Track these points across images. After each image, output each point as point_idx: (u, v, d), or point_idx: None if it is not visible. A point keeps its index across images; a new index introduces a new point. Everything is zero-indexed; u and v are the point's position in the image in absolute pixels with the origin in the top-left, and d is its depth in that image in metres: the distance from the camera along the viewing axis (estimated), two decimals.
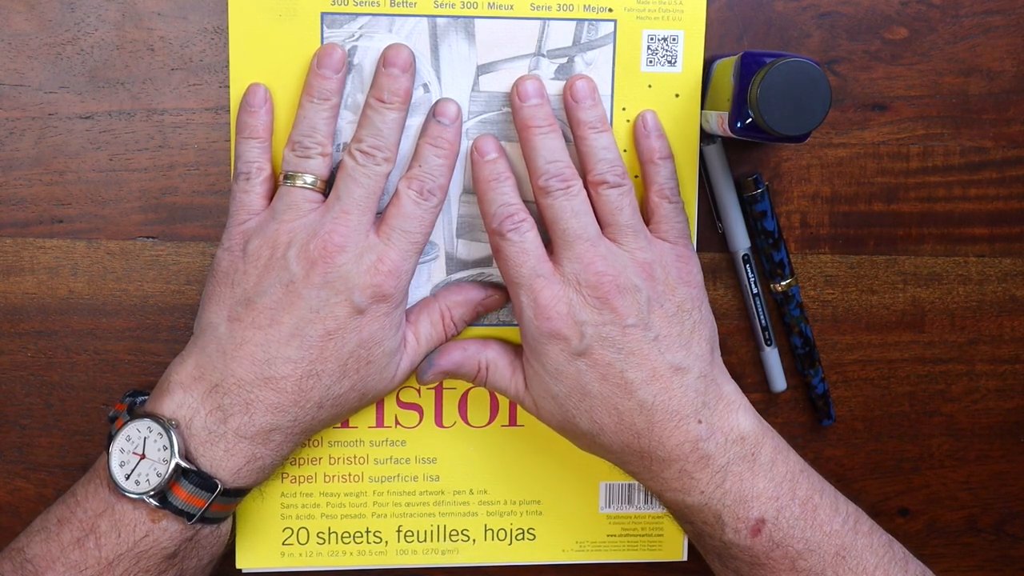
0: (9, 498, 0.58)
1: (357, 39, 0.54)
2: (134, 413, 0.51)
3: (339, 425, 0.58)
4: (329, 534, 0.59)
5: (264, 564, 0.58)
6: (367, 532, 0.59)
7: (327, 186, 0.53)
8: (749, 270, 0.58)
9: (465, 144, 0.55)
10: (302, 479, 0.58)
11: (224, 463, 0.50)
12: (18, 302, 0.56)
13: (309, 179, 0.52)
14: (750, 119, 0.50)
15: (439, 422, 0.58)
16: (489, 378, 0.56)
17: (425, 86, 0.55)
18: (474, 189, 0.54)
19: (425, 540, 0.59)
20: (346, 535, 0.59)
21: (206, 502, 0.49)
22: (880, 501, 0.62)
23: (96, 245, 0.56)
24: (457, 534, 0.59)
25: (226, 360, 0.50)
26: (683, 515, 0.53)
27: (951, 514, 0.63)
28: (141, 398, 0.54)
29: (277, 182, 0.53)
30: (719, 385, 0.53)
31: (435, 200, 0.53)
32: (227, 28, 0.54)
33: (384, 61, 0.53)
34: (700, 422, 0.51)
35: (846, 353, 0.61)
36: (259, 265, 0.51)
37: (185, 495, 0.49)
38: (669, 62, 0.56)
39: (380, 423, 0.58)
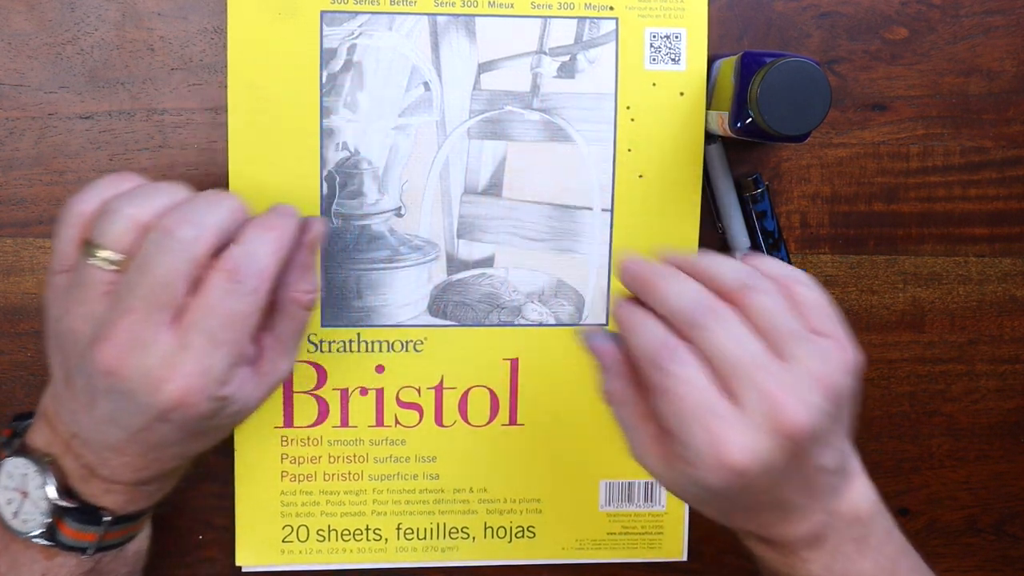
0: None
1: (357, 37, 0.54)
2: (13, 446, 0.47)
3: (339, 424, 0.58)
4: (329, 532, 0.59)
5: (264, 562, 0.58)
6: (367, 530, 0.59)
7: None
8: None
9: (466, 144, 0.55)
10: (302, 477, 0.58)
11: (105, 499, 0.46)
12: (18, 302, 0.56)
13: (105, 254, 0.42)
14: (750, 119, 0.50)
15: (439, 421, 0.58)
16: (616, 413, 0.48)
17: (426, 84, 0.55)
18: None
19: (425, 538, 0.59)
20: (346, 533, 0.59)
21: (96, 536, 0.46)
22: None
23: None
24: (457, 532, 0.59)
25: (70, 419, 0.45)
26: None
27: (951, 514, 0.63)
28: (26, 423, 0.48)
29: None
30: (848, 465, 0.46)
31: (251, 286, 0.42)
32: (227, 28, 0.54)
33: (229, 261, 0.42)
34: (825, 512, 0.45)
35: None
36: (67, 343, 0.44)
37: (72, 532, 0.46)
38: (673, 60, 0.56)
39: (380, 422, 0.58)
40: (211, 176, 0.56)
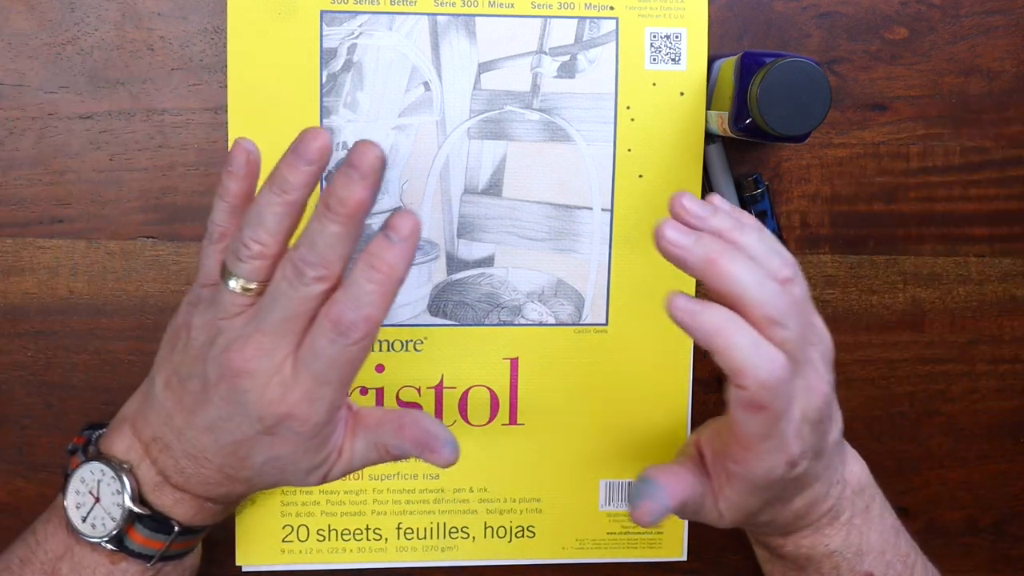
0: (9, 498, 0.58)
1: (357, 37, 0.54)
2: (88, 452, 0.49)
3: None
4: (329, 531, 0.59)
5: (264, 562, 0.58)
6: (367, 530, 0.59)
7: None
8: None
9: (466, 144, 0.55)
10: None
11: (176, 509, 0.48)
12: (18, 302, 0.56)
13: (239, 284, 0.45)
14: (750, 119, 0.50)
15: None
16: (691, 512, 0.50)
17: (426, 84, 0.55)
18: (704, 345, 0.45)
19: (425, 538, 0.59)
20: (346, 532, 0.59)
21: (164, 544, 0.48)
22: None
23: (96, 245, 0.56)
24: (457, 532, 0.59)
25: (159, 421, 0.47)
26: (800, 564, 0.52)
27: (951, 514, 0.63)
28: (99, 432, 0.51)
29: None
30: (843, 441, 0.51)
31: (356, 335, 0.43)
32: (227, 28, 0.54)
33: (348, 157, 0.42)
34: (837, 482, 0.50)
35: (846, 353, 0.61)
36: (194, 348, 0.46)
37: (141, 539, 0.48)
38: (673, 60, 0.56)
39: None
40: (211, 176, 0.56)
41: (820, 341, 0.47)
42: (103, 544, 0.47)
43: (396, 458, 0.49)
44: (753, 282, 0.43)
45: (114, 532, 0.47)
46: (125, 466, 0.47)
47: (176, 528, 0.48)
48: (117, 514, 0.47)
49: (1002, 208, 0.60)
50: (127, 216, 0.56)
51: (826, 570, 0.51)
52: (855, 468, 0.51)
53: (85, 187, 0.55)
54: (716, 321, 0.43)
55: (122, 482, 0.47)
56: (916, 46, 0.58)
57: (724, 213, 0.45)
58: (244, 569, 0.58)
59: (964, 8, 0.58)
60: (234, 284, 0.45)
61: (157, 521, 0.48)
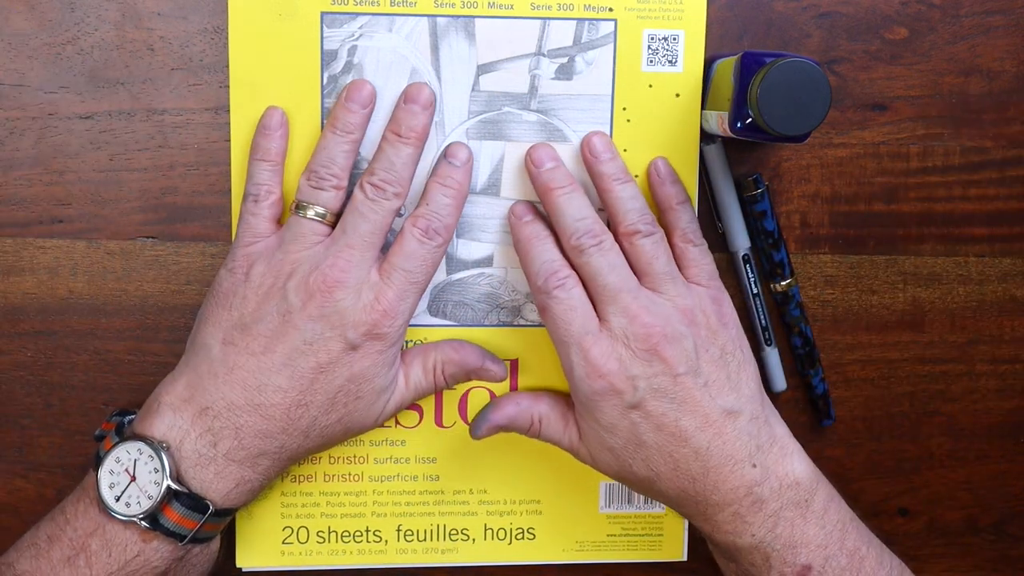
0: (9, 498, 0.58)
1: (357, 39, 0.54)
2: (123, 434, 0.51)
3: None
4: (329, 533, 0.59)
5: (264, 563, 0.58)
6: (367, 531, 0.59)
7: (337, 219, 0.52)
8: (749, 270, 0.58)
9: (467, 145, 0.55)
10: (302, 478, 0.58)
11: (214, 485, 0.50)
12: (18, 302, 0.56)
13: (319, 211, 0.52)
14: (750, 119, 0.50)
15: (439, 422, 0.58)
16: (542, 431, 0.56)
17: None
18: (515, 250, 0.55)
19: (425, 539, 0.59)
20: (346, 534, 0.59)
21: (197, 523, 0.50)
22: (880, 501, 0.62)
23: (96, 245, 0.56)
24: (457, 533, 0.59)
25: (217, 383, 0.50)
26: (731, 555, 0.53)
27: (951, 514, 0.63)
28: (129, 417, 0.53)
29: (286, 206, 0.54)
30: (771, 427, 0.53)
31: (439, 240, 0.52)
32: (227, 28, 0.54)
33: (405, 97, 0.53)
34: (755, 466, 0.51)
35: (846, 353, 0.61)
36: (260, 292, 0.51)
37: (177, 517, 0.49)
38: (670, 62, 0.56)
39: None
40: (211, 176, 0.56)
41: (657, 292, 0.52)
42: (138, 521, 0.49)
43: (447, 381, 0.55)
44: (571, 216, 0.52)
45: (150, 510, 0.49)
46: (164, 445, 0.49)
47: (210, 508, 0.50)
48: (155, 492, 0.49)
49: (1002, 208, 0.60)
50: (127, 216, 0.56)
51: (756, 560, 0.51)
52: (795, 464, 0.52)
53: (85, 187, 0.55)
54: (528, 230, 0.54)
55: (161, 460, 0.49)
56: (916, 46, 0.58)
57: (611, 161, 0.54)
58: (244, 570, 0.58)
59: (964, 8, 0.58)
60: (313, 213, 0.52)
61: (193, 499, 0.49)
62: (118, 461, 0.49)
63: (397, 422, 0.58)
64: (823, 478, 0.53)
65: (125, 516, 0.49)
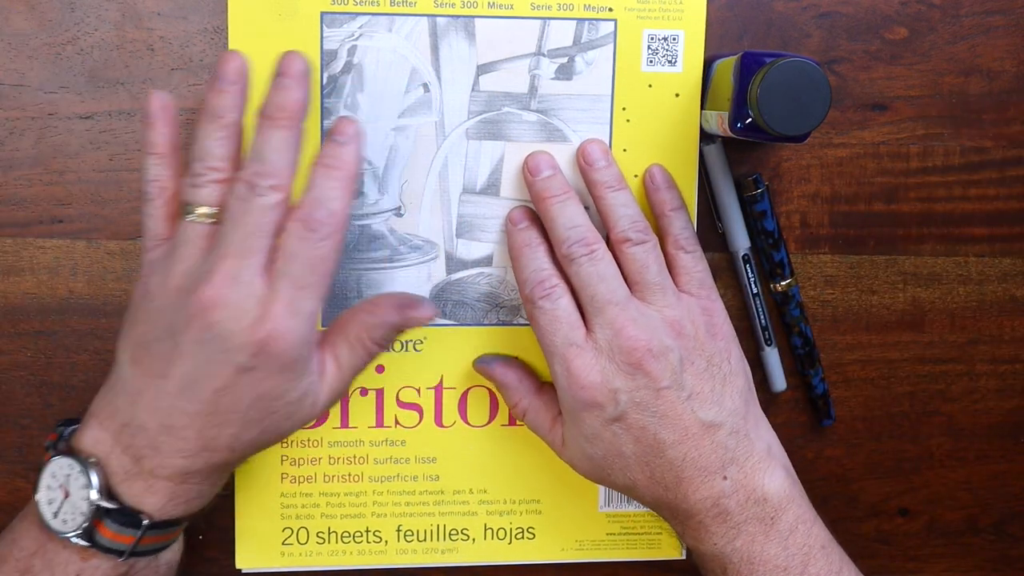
0: (9, 498, 0.58)
1: (357, 39, 0.54)
2: (58, 447, 0.49)
3: (339, 425, 0.58)
4: (329, 534, 0.59)
5: (264, 564, 0.58)
6: (367, 532, 0.59)
7: None
8: (749, 270, 0.58)
9: (464, 144, 0.55)
10: (302, 479, 0.58)
11: (147, 499, 0.47)
12: (18, 302, 0.56)
13: (205, 211, 0.46)
14: (750, 119, 0.50)
15: (439, 422, 0.58)
16: (527, 419, 0.56)
17: (425, 86, 0.55)
18: (509, 256, 0.54)
19: (425, 539, 0.59)
20: (346, 535, 0.59)
21: (134, 539, 0.47)
22: (880, 501, 0.62)
23: (96, 245, 0.56)
24: (457, 533, 0.59)
25: (129, 403, 0.47)
26: (698, 560, 0.54)
27: (951, 514, 0.63)
28: (71, 428, 0.50)
29: None
30: (752, 442, 0.52)
31: (325, 231, 0.45)
32: (227, 28, 0.54)
33: (275, 70, 0.47)
34: (726, 479, 0.51)
35: (846, 353, 0.61)
36: (153, 308, 0.47)
37: (111, 534, 0.47)
38: (669, 62, 0.56)
39: (380, 423, 0.58)
40: None
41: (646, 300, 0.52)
42: (73, 539, 0.47)
43: (379, 345, 0.51)
44: (563, 224, 0.51)
45: (83, 527, 0.47)
46: (92, 460, 0.47)
47: (145, 522, 0.47)
48: (85, 508, 0.47)
49: (1002, 208, 0.60)
50: (127, 216, 0.56)
51: (716, 569, 0.52)
52: (769, 480, 0.51)
53: (85, 187, 0.55)
54: (521, 237, 0.53)
55: (88, 476, 0.47)
56: (916, 46, 0.58)
57: (606, 169, 0.53)
58: (244, 571, 0.58)
59: (964, 8, 0.58)
60: (198, 214, 0.46)
61: (125, 515, 0.47)
62: (53, 476, 0.47)
63: (397, 422, 0.58)
64: (800, 500, 0.52)
65: (62, 533, 0.47)
